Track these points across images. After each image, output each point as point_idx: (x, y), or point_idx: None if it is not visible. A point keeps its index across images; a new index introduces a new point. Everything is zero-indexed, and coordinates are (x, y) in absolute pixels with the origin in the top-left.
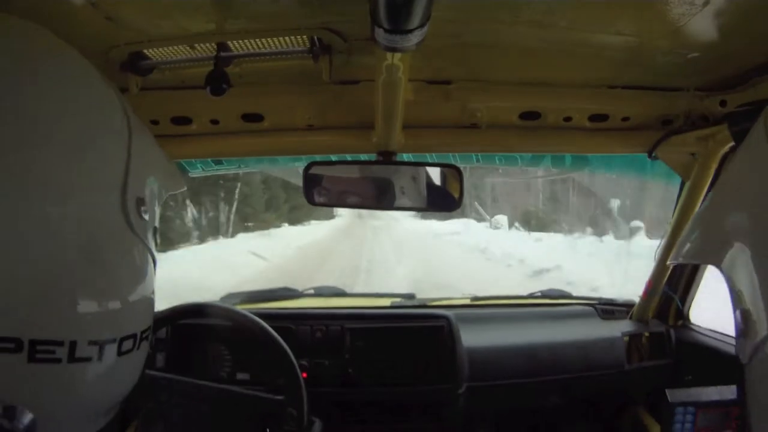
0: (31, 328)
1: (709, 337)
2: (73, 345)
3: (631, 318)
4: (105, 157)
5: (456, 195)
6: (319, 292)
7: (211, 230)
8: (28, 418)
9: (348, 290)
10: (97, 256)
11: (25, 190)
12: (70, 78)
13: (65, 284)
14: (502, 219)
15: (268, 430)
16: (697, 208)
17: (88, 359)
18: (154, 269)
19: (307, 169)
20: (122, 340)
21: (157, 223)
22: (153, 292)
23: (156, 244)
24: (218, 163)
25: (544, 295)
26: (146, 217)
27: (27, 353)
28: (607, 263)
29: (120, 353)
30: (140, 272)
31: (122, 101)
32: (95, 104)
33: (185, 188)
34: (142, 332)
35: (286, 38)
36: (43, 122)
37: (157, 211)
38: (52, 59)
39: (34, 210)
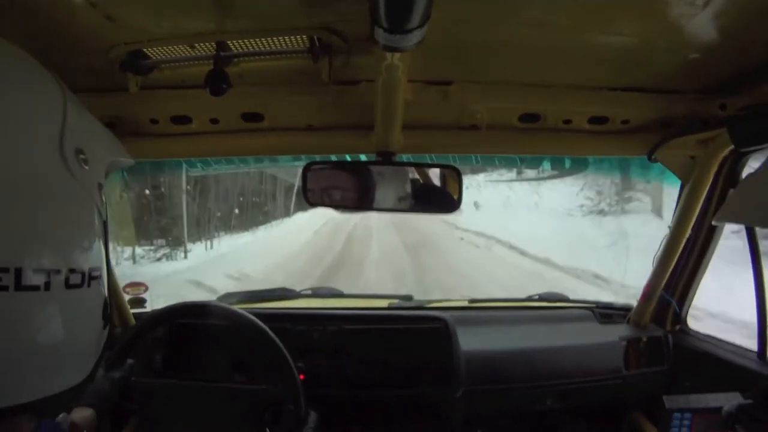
0: None
1: (707, 342)
2: (18, 272)
3: (628, 322)
4: (38, 107)
5: (455, 196)
6: (317, 293)
7: None
8: None
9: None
10: (37, 192)
11: None
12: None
13: (7, 216)
14: None
15: (267, 429)
16: (697, 211)
17: (35, 288)
18: (102, 221)
19: (306, 169)
20: (69, 271)
21: (102, 181)
22: (101, 237)
23: (102, 202)
24: (218, 162)
25: (542, 298)
26: (86, 167)
27: None
28: None
29: (68, 285)
30: (81, 213)
31: (55, 76)
32: (24, 73)
33: (132, 161)
34: (91, 270)
35: (286, 38)
36: None
37: (102, 170)
38: None
39: None
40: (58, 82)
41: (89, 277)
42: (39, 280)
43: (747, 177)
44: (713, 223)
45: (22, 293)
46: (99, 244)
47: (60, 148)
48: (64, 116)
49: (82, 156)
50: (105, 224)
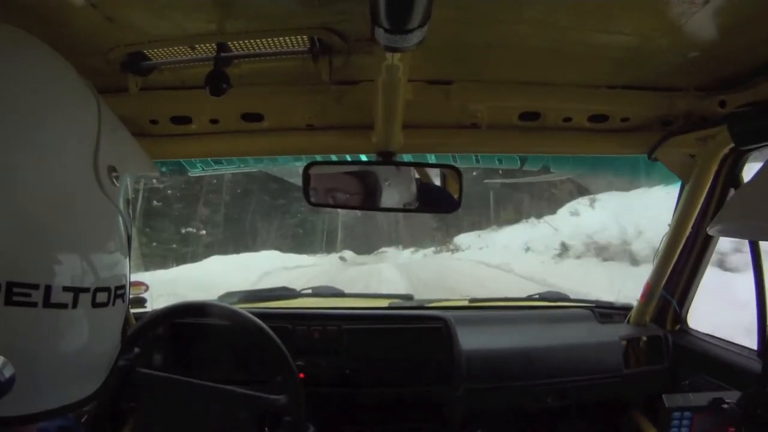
0: (7, 271)
1: (707, 342)
2: (48, 289)
3: (628, 322)
4: (76, 125)
5: (456, 196)
6: (317, 292)
7: None
8: (9, 371)
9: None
10: (70, 209)
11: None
12: (36, 64)
13: (41, 233)
14: None
15: (266, 429)
16: (697, 210)
17: (63, 305)
18: (129, 236)
19: (306, 169)
20: (96, 291)
21: (129, 196)
22: (127, 255)
23: (130, 215)
24: (218, 162)
25: (542, 297)
26: (118, 184)
27: (4, 295)
28: None
29: (94, 304)
30: (112, 231)
31: (91, 88)
32: (62, 86)
33: (158, 174)
34: (116, 288)
35: (286, 38)
36: (11, 96)
37: (129, 186)
38: (20, 49)
39: (10, 170)
40: (94, 93)
41: (114, 296)
42: (67, 298)
43: (742, 187)
44: (708, 232)
45: (50, 310)
46: (125, 262)
47: (94, 167)
48: (99, 132)
49: (114, 174)
50: (129, 238)
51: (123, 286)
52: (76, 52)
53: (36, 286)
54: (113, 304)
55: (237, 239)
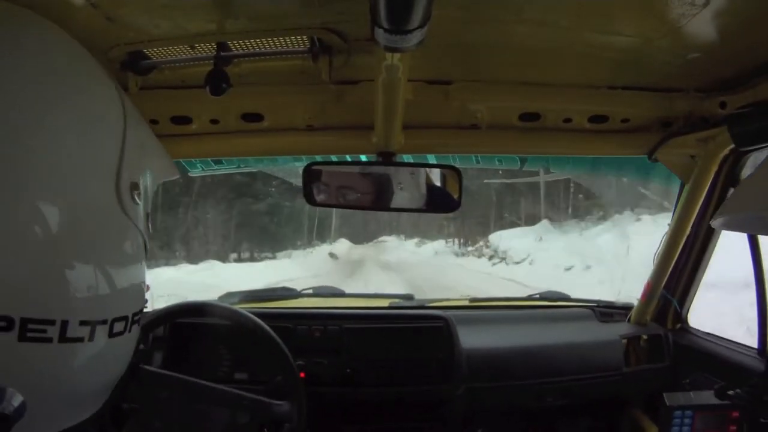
0: (22, 307)
1: (707, 340)
2: (64, 324)
3: (629, 321)
4: (98, 144)
5: (455, 196)
6: (318, 292)
7: None
8: (18, 400)
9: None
10: (89, 238)
11: (18, 173)
12: (66, 68)
13: (57, 264)
14: None
15: (266, 430)
16: (697, 210)
17: (79, 339)
18: (146, 254)
19: (306, 169)
20: (114, 321)
21: (149, 209)
22: (145, 276)
23: (149, 230)
24: (218, 162)
25: (543, 297)
26: (139, 201)
27: (18, 332)
28: None
29: (111, 335)
30: (132, 255)
31: (120, 92)
32: (90, 95)
33: (178, 176)
34: (134, 315)
35: (286, 38)
36: (34, 110)
37: (150, 197)
38: (48, 49)
39: (26, 194)
40: (118, 91)
41: (131, 323)
42: (84, 332)
43: (744, 180)
44: (711, 225)
45: (66, 345)
46: (143, 284)
47: (116, 183)
48: (123, 142)
49: (136, 191)
50: (146, 250)
51: (140, 311)
52: None
53: (52, 322)
54: (129, 331)
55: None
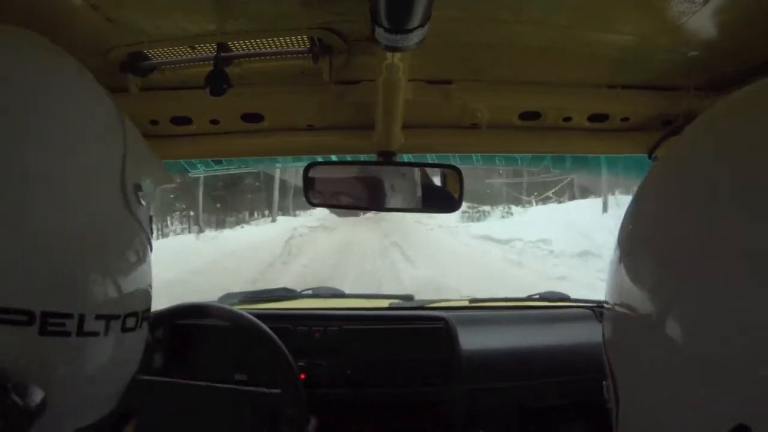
0: (42, 301)
1: None
2: (81, 318)
3: None
4: (103, 149)
5: (456, 195)
6: (318, 293)
7: None
8: (39, 395)
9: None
10: (101, 237)
11: (35, 183)
12: (65, 83)
13: (73, 261)
14: None
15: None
16: None
17: (95, 333)
18: (151, 253)
19: (306, 169)
20: (126, 316)
21: (151, 212)
22: (151, 275)
23: (151, 232)
24: (218, 163)
25: (543, 297)
26: (144, 202)
27: (39, 325)
28: None
29: (124, 329)
30: (140, 254)
31: (113, 102)
32: (92, 112)
33: (174, 184)
34: (143, 312)
35: (286, 38)
36: (42, 123)
37: (151, 202)
38: (48, 66)
39: (46, 200)
40: (112, 101)
41: (142, 319)
42: (99, 326)
43: None
44: None
45: (83, 338)
46: (150, 282)
47: (122, 185)
48: (124, 147)
49: (140, 192)
50: (151, 250)
51: (149, 308)
52: (75, 53)
53: (71, 316)
54: (140, 326)
55: None
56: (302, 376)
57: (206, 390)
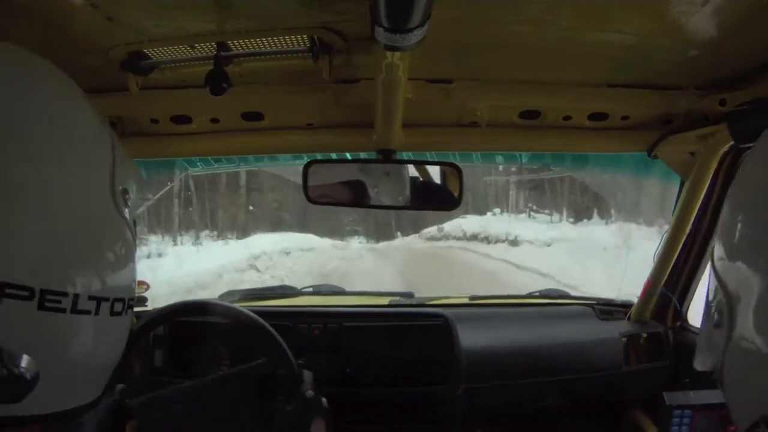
0: (42, 279)
1: None
2: (76, 297)
3: (629, 319)
4: (95, 158)
5: (456, 193)
6: (318, 290)
7: None
8: (33, 366)
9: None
10: (94, 230)
11: (41, 186)
12: (65, 106)
13: (71, 249)
14: None
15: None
16: (697, 208)
17: (87, 312)
18: (135, 251)
19: (306, 167)
20: (114, 301)
21: (135, 216)
22: (135, 269)
23: (135, 233)
24: (218, 161)
25: (543, 295)
26: (129, 206)
27: (38, 301)
28: None
29: (112, 313)
30: (126, 247)
31: (104, 119)
32: (83, 126)
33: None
34: (129, 299)
35: (286, 38)
36: (40, 136)
37: (134, 205)
38: (43, 86)
39: (46, 200)
40: (107, 121)
41: (128, 306)
42: (91, 306)
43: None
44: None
45: (76, 316)
46: (135, 276)
47: (112, 193)
48: (114, 160)
49: (126, 196)
50: (135, 248)
51: (133, 298)
52: (76, 52)
53: (66, 294)
54: (126, 313)
55: None
56: None
57: (198, 387)
